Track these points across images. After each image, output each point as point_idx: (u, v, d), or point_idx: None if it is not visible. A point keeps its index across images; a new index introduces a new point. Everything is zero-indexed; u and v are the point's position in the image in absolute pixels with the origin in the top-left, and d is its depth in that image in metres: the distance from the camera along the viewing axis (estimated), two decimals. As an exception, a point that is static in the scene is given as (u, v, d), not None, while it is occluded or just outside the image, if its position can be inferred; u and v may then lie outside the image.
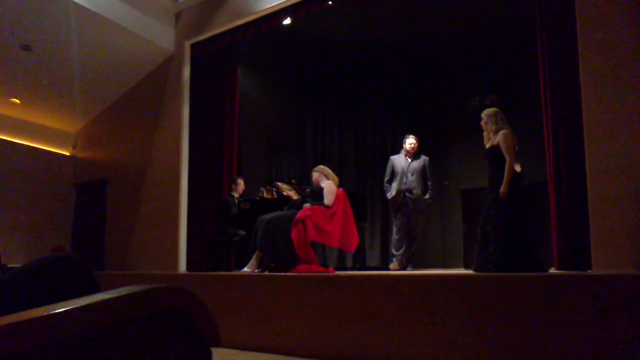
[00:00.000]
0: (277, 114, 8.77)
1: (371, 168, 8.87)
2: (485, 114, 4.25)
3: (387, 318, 3.42)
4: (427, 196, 5.88)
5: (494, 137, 4.10)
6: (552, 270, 4.51)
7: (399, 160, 5.95)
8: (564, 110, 4.62)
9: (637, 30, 4.06)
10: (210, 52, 7.30)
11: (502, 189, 3.92)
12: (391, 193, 5.87)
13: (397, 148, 6.51)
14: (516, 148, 4.10)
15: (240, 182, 6.59)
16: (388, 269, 6.00)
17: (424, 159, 5.95)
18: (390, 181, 5.94)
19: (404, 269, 5.78)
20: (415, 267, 5.89)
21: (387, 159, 6.30)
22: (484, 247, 4.03)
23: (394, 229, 5.96)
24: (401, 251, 5.86)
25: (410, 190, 5.80)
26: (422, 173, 5.88)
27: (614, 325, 2.71)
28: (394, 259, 5.89)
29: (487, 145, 4.19)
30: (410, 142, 5.94)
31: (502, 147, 4.01)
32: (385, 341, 3.39)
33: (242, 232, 6.06)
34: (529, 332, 2.92)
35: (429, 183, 5.90)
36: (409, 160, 5.91)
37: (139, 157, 7.80)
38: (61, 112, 8.45)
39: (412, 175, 5.83)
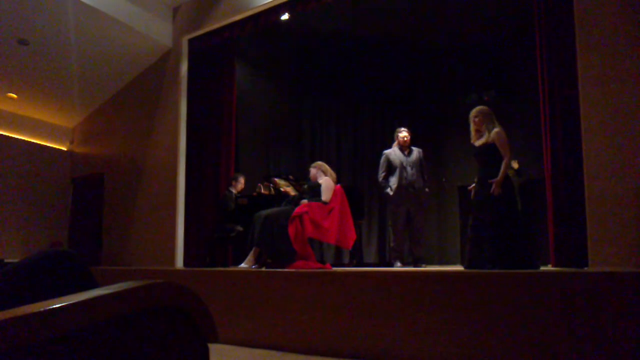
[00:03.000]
0: (275, 109, 8.76)
1: (369, 164, 8.85)
2: (480, 111, 4.20)
3: (384, 314, 3.43)
4: (426, 189, 5.79)
5: (488, 135, 4.10)
6: (549, 267, 4.53)
7: (396, 154, 5.73)
8: (561, 107, 4.62)
9: (635, 28, 4.06)
10: (208, 48, 7.28)
11: (495, 185, 3.93)
12: (392, 188, 5.63)
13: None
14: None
15: (241, 179, 6.52)
16: (385, 266, 5.92)
17: (418, 151, 5.80)
18: (387, 177, 5.72)
19: (414, 265, 5.62)
20: (417, 264, 5.71)
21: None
22: (475, 245, 4.03)
23: (395, 226, 5.69)
24: (404, 248, 5.74)
25: (412, 184, 5.64)
26: (420, 166, 5.76)
27: (611, 322, 2.72)
28: (398, 259, 5.59)
29: (478, 143, 4.17)
30: (403, 134, 5.74)
31: (499, 145, 4.02)
32: (381, 337, 3.40)
33: (240, 228, 6.06)
34: (527, 329, 2.94)
35: (425, 176, 5.80)
36: (406, 153, 5.74)
37: (136, 152, 7.79)
38: (58, 107, 8.42)
39: (412, 168, 5.66)
